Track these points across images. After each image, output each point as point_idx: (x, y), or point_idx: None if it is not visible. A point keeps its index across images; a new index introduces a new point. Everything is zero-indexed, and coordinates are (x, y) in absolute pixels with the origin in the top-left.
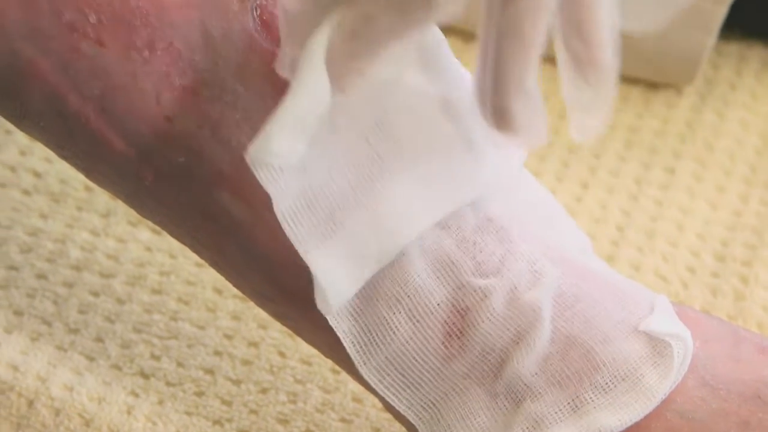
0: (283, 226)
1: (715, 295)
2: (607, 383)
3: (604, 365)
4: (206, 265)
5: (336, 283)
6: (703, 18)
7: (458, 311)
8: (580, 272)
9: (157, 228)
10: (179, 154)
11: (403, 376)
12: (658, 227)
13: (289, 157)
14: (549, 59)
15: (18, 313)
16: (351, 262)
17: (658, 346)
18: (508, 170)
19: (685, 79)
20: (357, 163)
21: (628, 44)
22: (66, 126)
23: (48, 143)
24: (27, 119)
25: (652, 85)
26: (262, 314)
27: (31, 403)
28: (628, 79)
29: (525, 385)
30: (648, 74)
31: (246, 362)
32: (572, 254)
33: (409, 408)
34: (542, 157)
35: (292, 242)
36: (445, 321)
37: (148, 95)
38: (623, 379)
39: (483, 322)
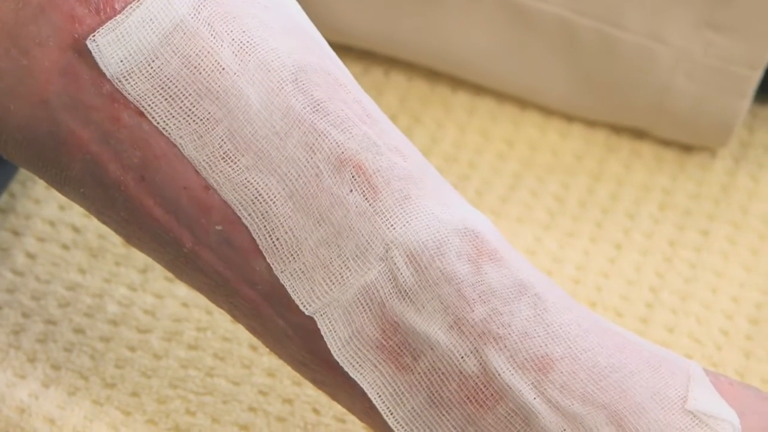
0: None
1: (748, 358)
2: None
3: None
4: None
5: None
6: (738, 82)
7: (480, 362)
8: (617, 342)
9: None
10: (217, 223)
11: (431, 429)
12: (692, 290)
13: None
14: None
15: (55, 367)
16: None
17: (696, 421)
18: None
19: (720, 142)
20: None
21: (663, 107)
22: (106, 194)
23: (88, 209)
24: (68, 186)
25: (687, 148)
26: None
27: None
28: (662, 141)
29: None
30: (682, 137)
31: (281, 419)
32: (608, 324)
33: None
34: (576, 218)
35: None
36: (469, 375)
37: (188, 164)
38: None
39: (504, 372)
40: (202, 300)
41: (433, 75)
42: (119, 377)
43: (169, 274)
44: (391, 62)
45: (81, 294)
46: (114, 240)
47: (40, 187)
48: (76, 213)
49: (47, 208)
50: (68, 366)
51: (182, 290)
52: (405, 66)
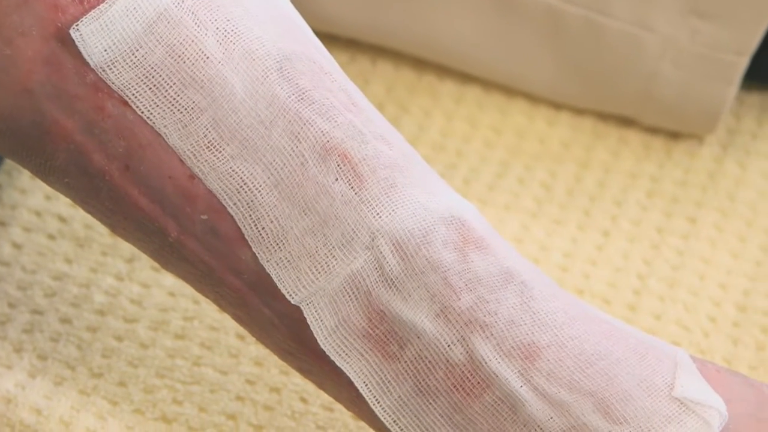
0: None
1: (736, 345)
2: None
3: (625, 421)
4: None
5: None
6: (725, 69)
7: (467, 350)
8: (604, 330)
9: None
10: (202, 212)
11: (417, 417)
12: (680, 277)
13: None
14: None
15: (42, 357)
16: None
17: (683, 408)
18: None
19: (707, 129)
20: None
21: (650, 94)
22: (91, 183)
23: (73, 199)
24: (52, 176)
25: (674, 135)
26: None
27: None
28: (649, 129)
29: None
30: (670, 124)
31: (268, 408)
32: (595, 311)
33: None
34: (563, 206)
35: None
36: (456, 363)
37: (173, 154)
38: None
39: (490, 360)
40: (188, 289)
41: (419, 63)
42: (106, 367)
43: (156, 264)
44: (377, 51)
45: (67, 284)
46: (100, 230)
47: (25, 177)
48: (62, 203)
49: (33, 198)
50: (55, 356)
51: (169, 280)
52: (392, 55)
